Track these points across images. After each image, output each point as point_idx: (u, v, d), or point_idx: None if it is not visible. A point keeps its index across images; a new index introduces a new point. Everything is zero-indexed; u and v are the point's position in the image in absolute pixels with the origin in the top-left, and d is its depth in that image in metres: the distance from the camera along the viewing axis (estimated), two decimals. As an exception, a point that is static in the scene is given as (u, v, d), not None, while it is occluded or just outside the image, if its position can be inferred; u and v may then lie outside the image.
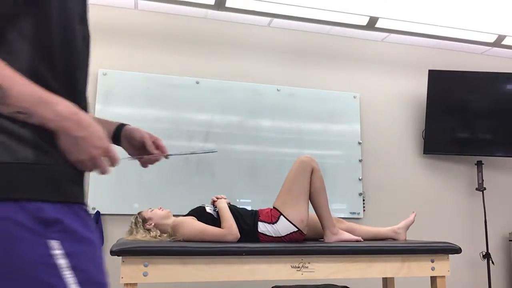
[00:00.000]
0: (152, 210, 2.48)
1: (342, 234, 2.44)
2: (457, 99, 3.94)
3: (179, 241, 2.23)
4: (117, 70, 3.39)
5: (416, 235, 3.33)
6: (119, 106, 3.34)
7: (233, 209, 2.42)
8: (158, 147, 1.12)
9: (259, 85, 3.66)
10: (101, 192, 3.17)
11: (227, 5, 3.39)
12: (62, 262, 0.75)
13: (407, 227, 2.72)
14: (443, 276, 2.32)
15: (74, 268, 0.76)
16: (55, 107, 0.78)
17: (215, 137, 3.48)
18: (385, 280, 2.92)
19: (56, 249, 0.75)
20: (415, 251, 2.31)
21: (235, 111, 3.57)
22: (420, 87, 4.02)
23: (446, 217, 3.92)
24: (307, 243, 2.34)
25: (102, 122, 1.09)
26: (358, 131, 3.82)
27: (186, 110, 3.47)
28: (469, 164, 4.03)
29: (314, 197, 2.42)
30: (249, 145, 3.56)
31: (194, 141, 3.43)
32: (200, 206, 2.51)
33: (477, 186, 3.89)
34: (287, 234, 2.35)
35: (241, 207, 2.54)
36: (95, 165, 0.85)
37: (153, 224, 2.39)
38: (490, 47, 4.12)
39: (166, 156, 1.14)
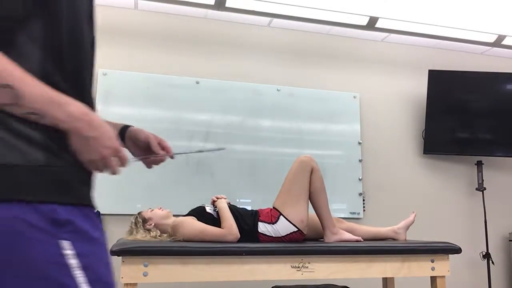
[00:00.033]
0: (152, 210, 2.48)
1: (342, 234, 2.44)
2: (457, 99, 3.94)
3: (179, 241, 2.23)
4: (117, 70, 3.39)
5: (416, 235, 3.33)
6: (119, 106, 3.34)
7: (233, 209, 2.42)
8: (163, 148, 1.13)
9: (259, 85, 3.66)
10: (101, 192, 3.16)
11: (227, 5, 3.39)
12: (73, 262, 0.76)
13: (407, 227, 2.72)
14: (443, 276, 2.32)
15: (84, 268, 0.77)
16: (66, 107, 0.79)
17: (215, 137, 3.48)
18: (385, 280, 2.92)
19: (68, 249, 0.76)
20: (415, 251, 2.31)
21: (235, 111, 3.57)
22: (420, 87, 4.02)
23: (446, 217, 3.92)
24: (307, 243, 2.34)
25: (107, 123, 1.10)
26: (358, 131, 3.82)
27: (186, 110, 3.47)
28: (469, 164, 4.03)
29: (314, 197, 2.42)
30: (249, 145, 3.56)
31: (194, 141, 3.43)
32: (200, 206, 2.51)
33: (477, 186, 3.89)
34: (287, 234, 2.35)
35: (241, 207, 2.54)
36: (105, 165, 0.86)
37: (153, 224, 2.39)
38: (490, 47, 4.12)
39: (172, 156, 1.14)
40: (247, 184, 3.49)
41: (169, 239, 2.30)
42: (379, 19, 3.60)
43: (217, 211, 2.40)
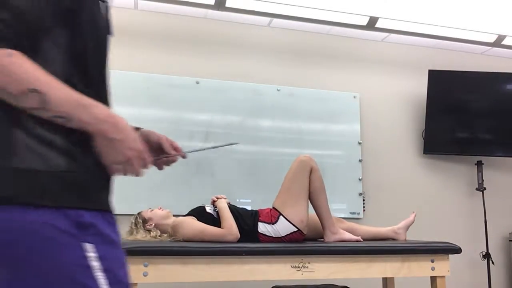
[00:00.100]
0: (152, 210, 2.48)
1: (342, 234, 2.44)
2: (457, 99, 3.94)
3: (179, 241, 2.23)
4: (117, 70, 3.38)
5: (416, 235, 3.33)
6: (119, 106, 3.31)
7: (233, 209, 2.42)
8: (174, 148, 1.16)
9: (259, 85, 3.66)
10: (101, 192, 3.17)
11: (227, 5, 3.39)
12: (95, 264, 0.78)
13: (407, 227, 2.72)
14: (443, 276, 2.32)
15: (105, 270, 0.79)
16: (92, 110, 0.81)
17: (215, 137, 3.48)
18: (385, 280, 2.92)
19: (91, 251, 0.78)
20: (415, 251, 2.31)
21: (235, 111, 3.57)
22: (420, 87, 4.02)
23: (446, 217, 3.92)
24: (307, 243, 2.34)
25: None
26: (358, 131, 3.82)
27: (186, 110, 3.46)
28: (469, 164, 4.03)
29: (314, 197, 2.42)
30: (249, 145, 3.55)
31: (194, 141, 3.43)
32: (200, 206, 2.51)
33: (477, 186, 3.89)
34: (287, 234, 2.35)
35: (241, 207, 2.54)
36: (129, 167, 0.88)
37: (153, 224, 2.39)
38: (490, 47, 4.12)
39: (184, 156, 1.16)
40: (247, 184, 3.49)
41: (169, 239, 2.30)
42: (379, 19, 3.60)
43: (217, 211, 2.40)
